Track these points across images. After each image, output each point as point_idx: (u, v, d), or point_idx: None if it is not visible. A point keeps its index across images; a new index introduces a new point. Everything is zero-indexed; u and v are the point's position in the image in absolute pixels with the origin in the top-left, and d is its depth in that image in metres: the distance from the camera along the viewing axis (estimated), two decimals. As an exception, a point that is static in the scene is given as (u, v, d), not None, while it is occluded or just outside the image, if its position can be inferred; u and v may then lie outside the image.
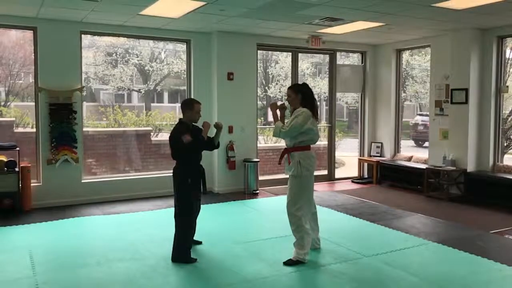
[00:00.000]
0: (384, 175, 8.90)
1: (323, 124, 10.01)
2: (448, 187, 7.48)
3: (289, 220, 4.49)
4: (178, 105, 9.65)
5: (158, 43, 8.98)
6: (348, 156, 11.20)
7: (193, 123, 4.63)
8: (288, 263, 4.35)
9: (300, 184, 4.46)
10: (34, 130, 6.92)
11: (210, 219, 5.93)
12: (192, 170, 4.56)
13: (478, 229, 5.67)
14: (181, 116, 4.69)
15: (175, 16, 6.48)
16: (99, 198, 7.12)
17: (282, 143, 6.57)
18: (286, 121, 4.52)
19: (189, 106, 4.58)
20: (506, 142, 8.27)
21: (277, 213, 5.97)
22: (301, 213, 4.45)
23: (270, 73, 12.53)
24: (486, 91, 7.47)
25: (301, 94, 4.50)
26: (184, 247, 4.49)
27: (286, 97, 4.62)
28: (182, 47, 8.28)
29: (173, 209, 4.57)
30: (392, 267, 4.33)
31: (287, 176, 4.58)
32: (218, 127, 4.75)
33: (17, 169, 6.42)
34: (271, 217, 6.24)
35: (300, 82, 4.94)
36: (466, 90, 7.43)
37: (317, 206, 6.91)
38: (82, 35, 7.09)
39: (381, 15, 6.35)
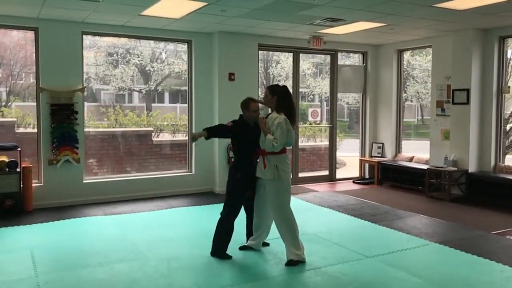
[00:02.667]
0: (385, 176, 8.89)
1: (324, 124, 10.00)
2: (449, 188, 7.47)
3: (281, 225, 4.42)
4: (179, 105, 9.64)
5: (159, 43, 8.98)
6: (349, 156, 11.19)
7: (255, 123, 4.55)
8: (290, 263, 4.35)
9: (282, 187, 4.41)
10: (36, 130, 6.93)
11: (211, 220, 5.91)
12: (242, 164, 4.57)
13: (479, 230, 5.67)
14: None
15: (176, 16, 6.48)
16: (101, 199, 7.12)
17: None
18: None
19: (245, 105, 4.57)
20: (508, 143, 8.26)
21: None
22: (292, 215, 4.44)
23: (271, 73, 12.51)
24: (488, 91, 7.46)
25: (276, 96, 4.43)
26: (217, 243, 4.60)
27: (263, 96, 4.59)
28: (183, 47, 8.28)
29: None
30: (393, 267, 4.33)
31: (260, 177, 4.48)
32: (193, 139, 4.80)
33: (18, 170, 6.43)
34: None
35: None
36: (468, 91, 7.42)
37: (318, 207, 6.99)
38: (84, 36, 7.10)
39: (382, 15, 6.34)
